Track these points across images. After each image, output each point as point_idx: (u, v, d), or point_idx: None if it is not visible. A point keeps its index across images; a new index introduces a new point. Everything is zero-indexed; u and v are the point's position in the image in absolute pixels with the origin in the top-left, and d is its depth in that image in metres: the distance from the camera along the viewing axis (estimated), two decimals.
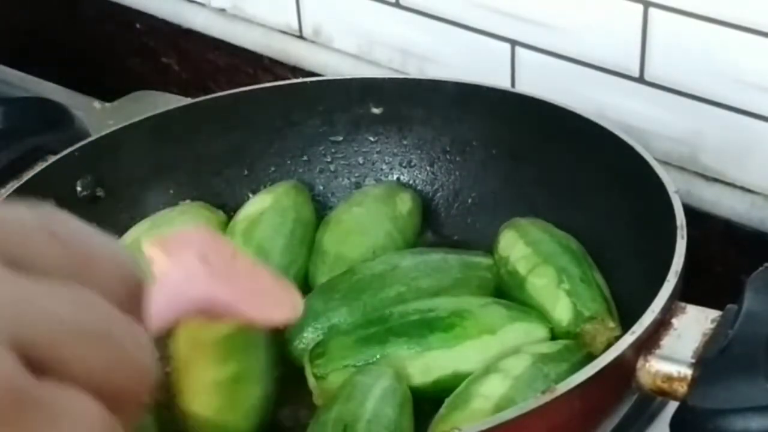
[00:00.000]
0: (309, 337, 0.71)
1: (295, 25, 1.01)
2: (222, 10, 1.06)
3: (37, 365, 0.27)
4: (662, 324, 0.59)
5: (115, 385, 0.29)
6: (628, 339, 0.57)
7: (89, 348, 0.29)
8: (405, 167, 0.85)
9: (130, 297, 0.32)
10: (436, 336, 0.67)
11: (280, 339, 0.72)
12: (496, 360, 0.66)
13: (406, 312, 0.69)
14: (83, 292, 0.30)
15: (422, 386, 0.67)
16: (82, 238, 0.32)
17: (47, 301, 0.28)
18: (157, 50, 1.12)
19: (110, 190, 0.80)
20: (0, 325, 0.27)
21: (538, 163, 0.78)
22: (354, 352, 0.67)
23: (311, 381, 0.68)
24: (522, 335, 0.69)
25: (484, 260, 0.76)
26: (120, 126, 0.82)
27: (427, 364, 0.67)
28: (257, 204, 0.81)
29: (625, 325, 0.62)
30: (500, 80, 0.88)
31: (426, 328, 0.68)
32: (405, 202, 0.82)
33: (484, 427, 0.52)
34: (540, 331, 0.70)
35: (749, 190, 0.80)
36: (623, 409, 0.62)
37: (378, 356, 0.67)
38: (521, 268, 0.73)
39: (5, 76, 1.07)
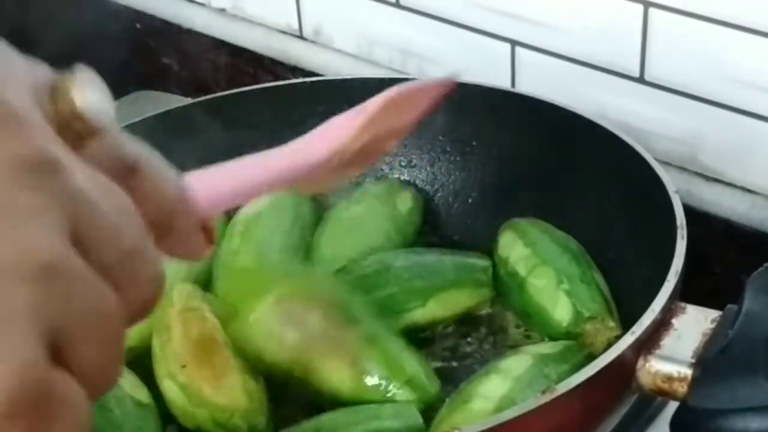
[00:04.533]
0: None
1: (295, 25, 1.01)
2: (222, 10, 1.06)
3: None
4: (662, 324, 0.59)
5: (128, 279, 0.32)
6: (628, 339, 0.57)
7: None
8: (405, 167, 0.85)
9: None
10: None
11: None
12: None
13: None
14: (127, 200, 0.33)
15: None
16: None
17: (104, 201, 0.32)
18: (157, 50, 1.12)
19: None
20: (63, 220, 0.30)
21: (538, 163, 0.78)
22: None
23: None
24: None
25: (480, 262, 0.76)
26: (120, 126, 0.81)
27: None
28: (256, 203, 0.81)
29: (625, 325, 0.62)
30: (500, 80, 0.88)
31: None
32: (405, 202, 0.81)
33: (484, 427, 0.52)
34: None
35: (749, 190, 0.80)
36: (623, 409, 0.62)
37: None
38: (521, 269, 0.73)
39: None
